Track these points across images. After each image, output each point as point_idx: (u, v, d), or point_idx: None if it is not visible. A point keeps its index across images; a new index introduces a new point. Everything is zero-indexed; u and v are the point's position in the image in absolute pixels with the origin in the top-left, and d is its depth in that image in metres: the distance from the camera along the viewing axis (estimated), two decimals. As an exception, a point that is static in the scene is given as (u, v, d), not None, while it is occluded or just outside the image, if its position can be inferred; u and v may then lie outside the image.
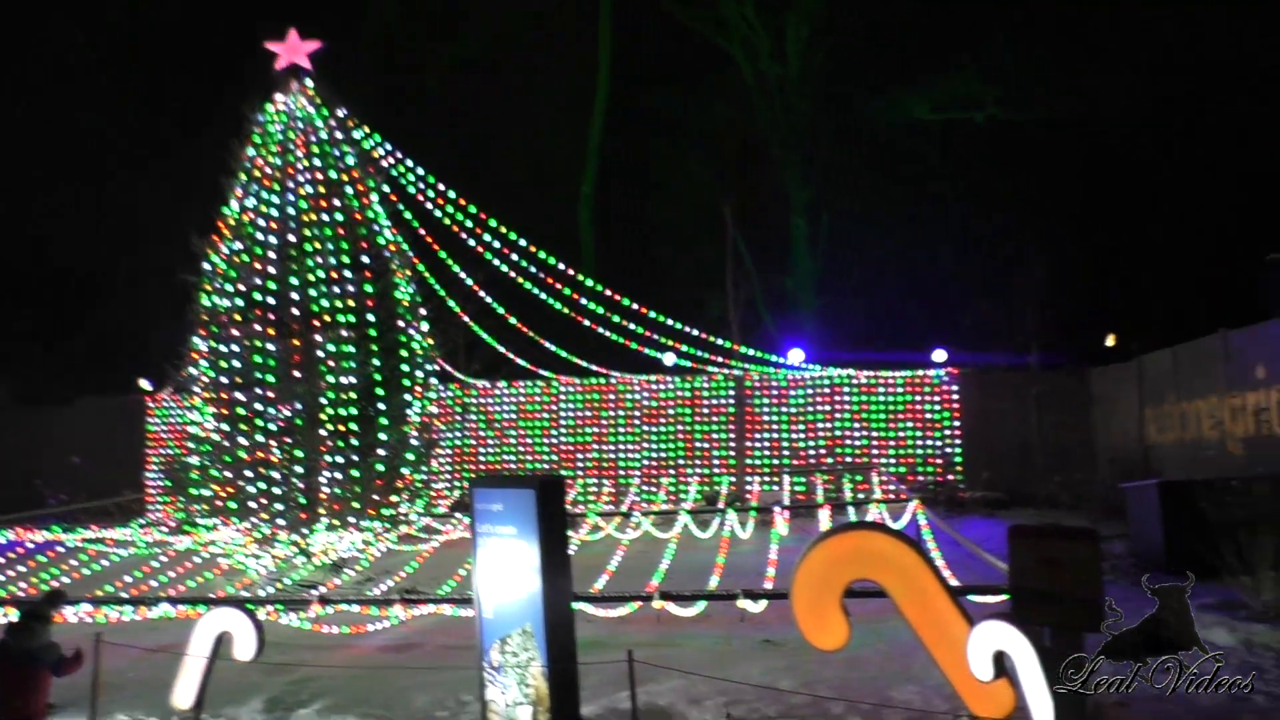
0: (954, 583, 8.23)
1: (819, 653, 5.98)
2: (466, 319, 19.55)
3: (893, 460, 19.44)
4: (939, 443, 19.43)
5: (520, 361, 20.57)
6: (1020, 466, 18.46)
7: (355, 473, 12.13)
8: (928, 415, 19.56)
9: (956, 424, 19.46)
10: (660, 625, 9.11)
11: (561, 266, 18.67)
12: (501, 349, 20.16)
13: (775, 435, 20.03)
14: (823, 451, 19.75)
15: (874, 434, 19.64)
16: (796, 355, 20.27)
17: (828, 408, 19.89)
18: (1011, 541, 5.25)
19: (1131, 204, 26.07)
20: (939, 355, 20.10)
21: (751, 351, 20.55)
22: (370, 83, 28.91)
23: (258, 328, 12.17)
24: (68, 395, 23.67)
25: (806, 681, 7.31)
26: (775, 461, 19.88)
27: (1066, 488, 16.65)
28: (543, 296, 19.07)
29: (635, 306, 19.36)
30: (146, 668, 8.30)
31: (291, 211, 12.64)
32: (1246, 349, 13.38)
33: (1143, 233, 26.34)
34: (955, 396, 19.52)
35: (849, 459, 19.54)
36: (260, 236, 12.55)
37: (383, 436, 12.43)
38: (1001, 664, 5.09)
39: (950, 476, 19.08)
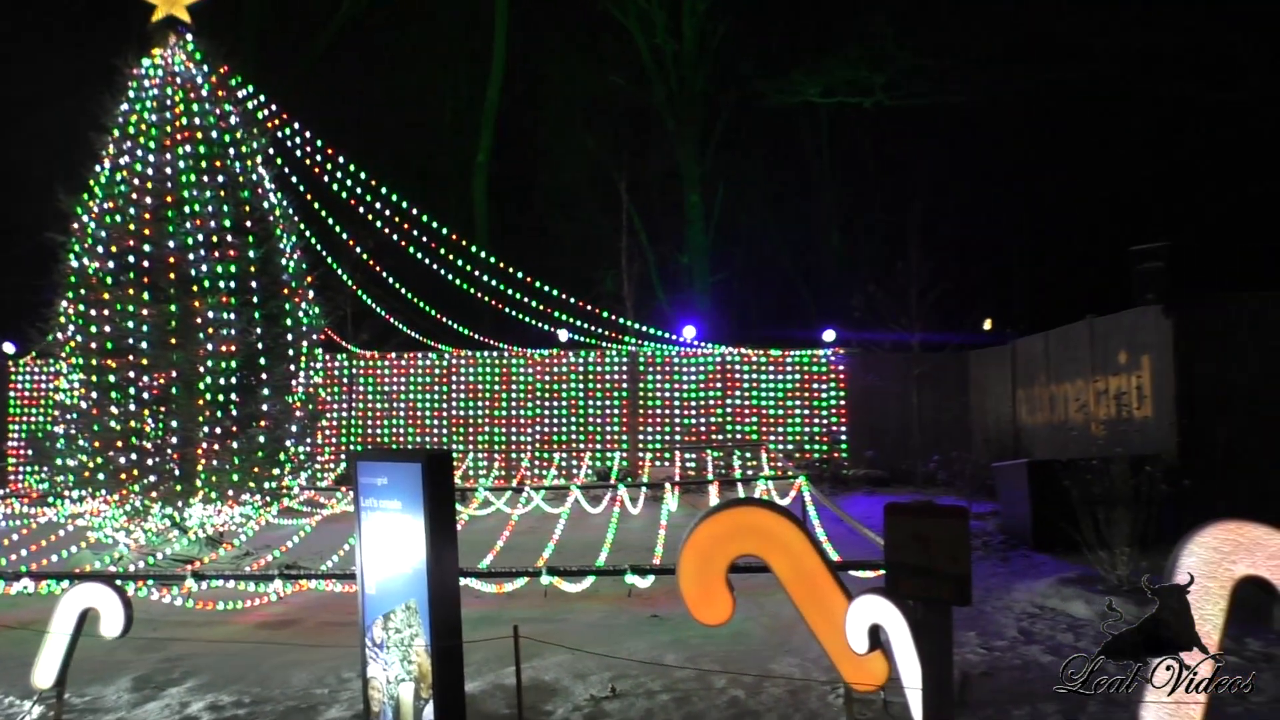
0: (835, 558, 8.47)
1: (704, 627, 6.07)
2: (354, 287, 19.09)
3: (782, 438, 19.87)
4: (826, 421, 19.93)
5: (411, 333, 20.23)
6: (902, 445, 19.11)
7: (235, 444, 11.72)
8: (816, 394, 20.03)
9: (843, 403, 19.98)
10: (548, 601, 9.11)
11: (454, 237, 18.37)
12: (391, 319, 19.78)
13: (668, 412, 20.23)
14: (714, 428, 20.04)
15: (764, 412, 20.03)
16: (689, 332, 20.49)
17: (719, 385, 20.18)
18: (887, 518, 5.42)
19: (1013, 192, 27.14)
20: (828, 335, 20.59)
21: (645, 328, 20.67)
22: (256, 46, 27.86)
23: (131, 291, 11.60)
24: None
25: (691, 655, 7.43)
26: (667, 438, 20.08)
27: (943, 466, 17.28)
28: (434, 267, 18.75)
29: (529, 279, 19.23)
30: (5, 645, 7.90)
31: (169, 171, 12.05)
32: (1110, 335, 14.10)
33: (1023, 220, 27.48)
34: (842, 376, 20.03)
35: (739, 436, 19.90)
36: (135, 196, 11.94)
37: (264, 407, 12.04)
38: (877, 637, 5.25)
39: (836, 454, 19.61)
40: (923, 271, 18.75)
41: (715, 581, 5.89)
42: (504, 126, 30.91)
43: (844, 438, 19.84)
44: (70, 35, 26.50)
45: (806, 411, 20.00)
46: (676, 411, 20.21)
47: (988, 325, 22.00)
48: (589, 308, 20.03)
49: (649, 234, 27.94)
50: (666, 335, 20.62)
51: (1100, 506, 8.72)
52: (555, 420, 20.38)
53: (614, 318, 20.37)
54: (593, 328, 20.17)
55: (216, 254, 11.85)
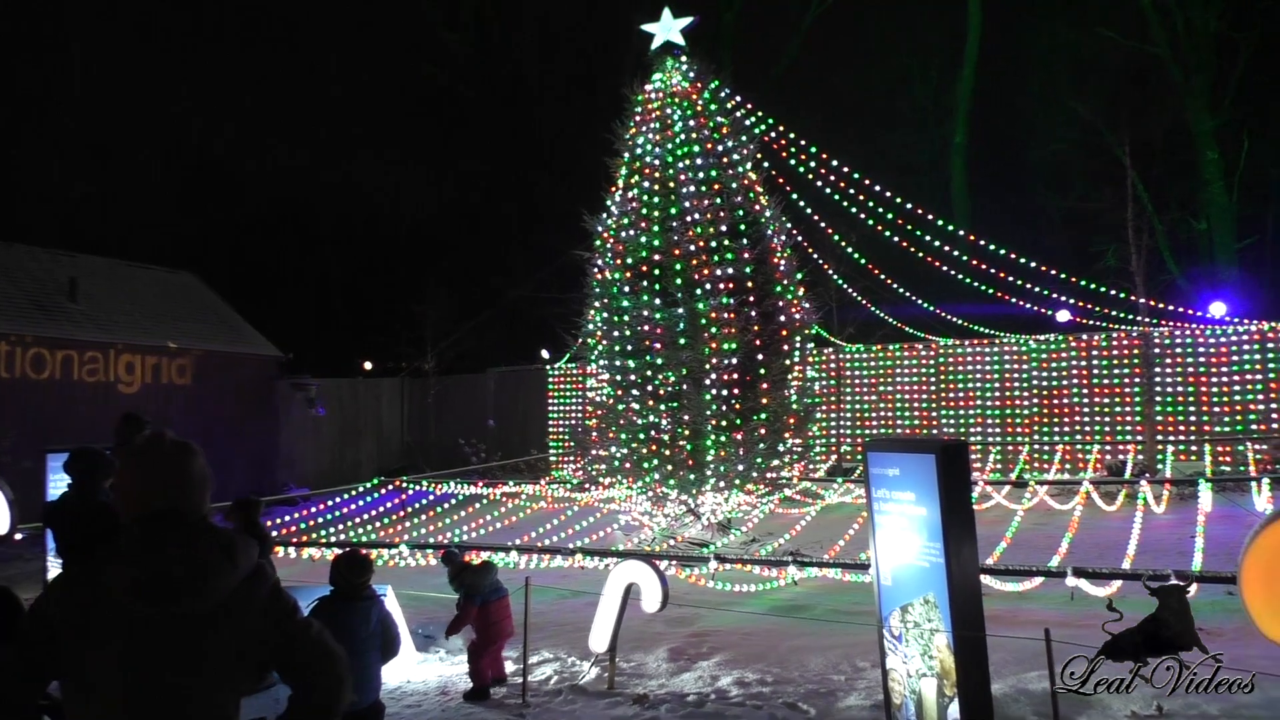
0: None
1: (1269, 646, 5.19)
2: (841, 281, 19.35)
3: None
4: None
5: (895, 323, 20.04)
6: None
7: (738, 436, 12.42)
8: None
9: None
10: (1068, 604, 8.44)
11: (940, 223, 17.82)
12: (874, 309, 19.75)
13: (1191, 399, 17.82)
14: (1253, 418, 17.27)
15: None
16: (1218, 308, 17.83)
17: (1260, 365, 17.34)
18: None
19: None
20: None
21: (1159, 304, 18.39)
22: (729, 50, 29.49)
23: (645, 298, 12.80)
24: (480, 365, 26.58)
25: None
26: (1193, 428, 17.70)
27: None
28: (918, 253, 18.36)
29: (1019, 259, 18.04)
30: (564, 610, 9.11)
31: (672, 185, 13.12)
32: None
33: None
34: None
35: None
36: (644, 210, 13.16)
37: (764, 401, 12.62)
38: None
39: None
40: None
41: (1292, 594, 5.00)
42: (981, 104, 29.49)
43: None
44: (584, 73, 30.13)
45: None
46: (1202, 398, 17.72)
47: None
48: (1091, 286, 18.31)
49: (1155, 198, 24.85)
50: (1188, 312, 18.14)
51: None
52: (1056, 409, 18.89)
53: (1120, 296, 18.38)
54: (1096, 308, 18.39)
55: (716, 258, 12.64)
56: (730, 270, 12.60)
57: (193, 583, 2.29)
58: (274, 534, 13.24)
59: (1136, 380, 18.11)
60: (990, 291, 18.83)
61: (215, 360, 20.77)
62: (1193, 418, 17.73)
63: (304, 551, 11.69)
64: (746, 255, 12.77)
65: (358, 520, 14.87)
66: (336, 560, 5.32)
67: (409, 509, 16.14)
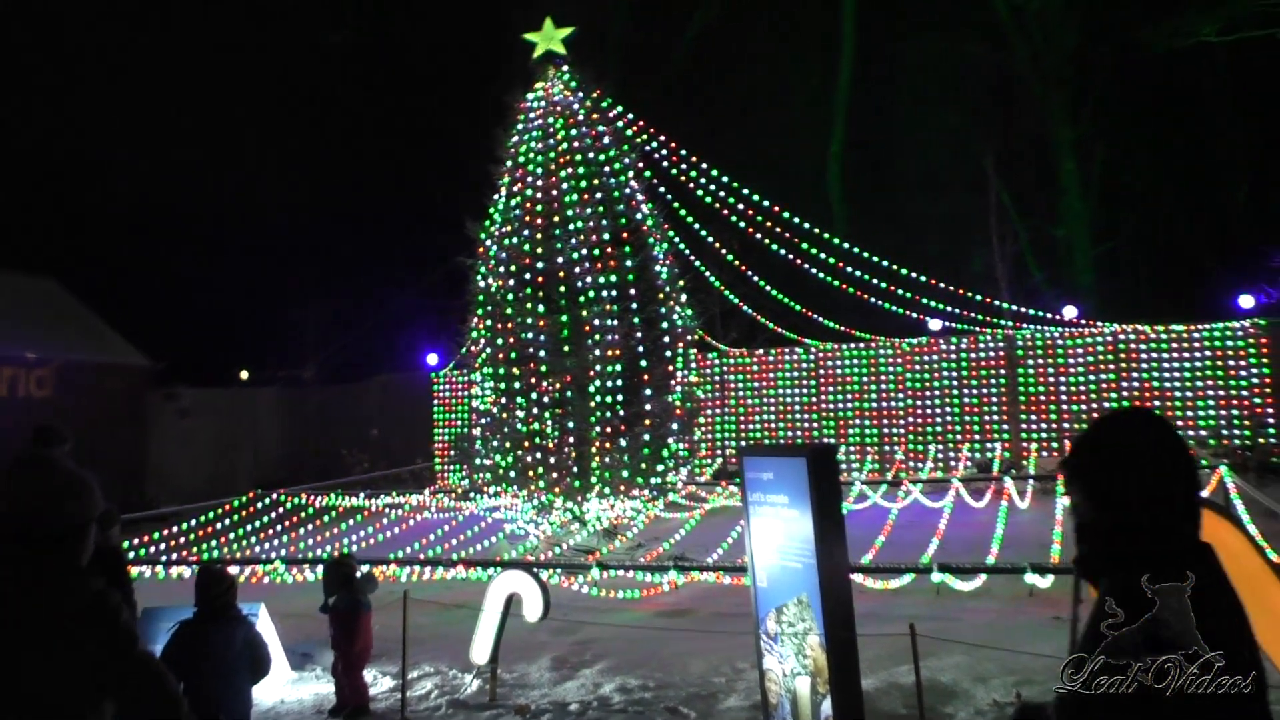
0: (1275, 558, 7.35)
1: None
2: (722, 288, 19.67)
3: (1192, 423, 17.69)
4: (1247, 402, 17.45)
5: (777, 329, 20.48)
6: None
7: (623, 442, 12.51)
8: (1233, 372, 17.61)
9: (1268, 381, 17.40)
10: (938, 599, 8.78)
11: (817, 231, 18.32)
12: (758, 317, 20.15)
13: (1052, 398, 18.75)
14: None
15: (1169, 394, 17.93)
16: (1069, 311, 18.85)
17: (1113, 367, 18.38)
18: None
19: None
20: (1245, 301, 18.06)
21: (1021, 309, 19.31)
22: (615, 60, 29.68)
23: (528, 305, 12.78)
24: (365, 374, 26.03)
25: (1104, 663, 6.80)
26: (1054, 426, 18.64)
27: None
28: (796, 261, 18.82)
29: (893, 267, 18.69)
30: (444, 624, 9.00)
31: (554, 193, 13.14)
32: None
33: None
34: (1264, 349, 17.46)
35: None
36: (527, 219, 13.15)
37: (647, 407, 12.74)
38: (1349, 655, 4.47)
39: (1261, 440, 17.12)
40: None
41: (1135, 584, 5.33)
42: (857, 114, 30.43)
43: (1271, 420, 17.25)
44: (467, 81, 29.84)
45: (1222, 392, 17.62)
46: (1063, 397, 18.66)
47: None
48: (958, 292, 19.10)
49: (1020, 208, 26.09)
50: (1047, 315, 19.11)
51: None
52: (928, 411, 19.62)
53: (986, 300, 19.25)
54: (964, 312, 19.19)
55: (599, 266, 12.72)
56: (613, 277, 12.68)
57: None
58: (142, 551, 12.69)
59: (1002, 381, 18.97)
60: (867, 298, 19.44)
61: (78, 370, 19.78)
62: (1054, 416, 18.67)
63: (172, 570, 11.25)
64: (629, 263, 12.88)
65: (231, 535, 14.38)
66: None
67: (286, 522, 15.68)
